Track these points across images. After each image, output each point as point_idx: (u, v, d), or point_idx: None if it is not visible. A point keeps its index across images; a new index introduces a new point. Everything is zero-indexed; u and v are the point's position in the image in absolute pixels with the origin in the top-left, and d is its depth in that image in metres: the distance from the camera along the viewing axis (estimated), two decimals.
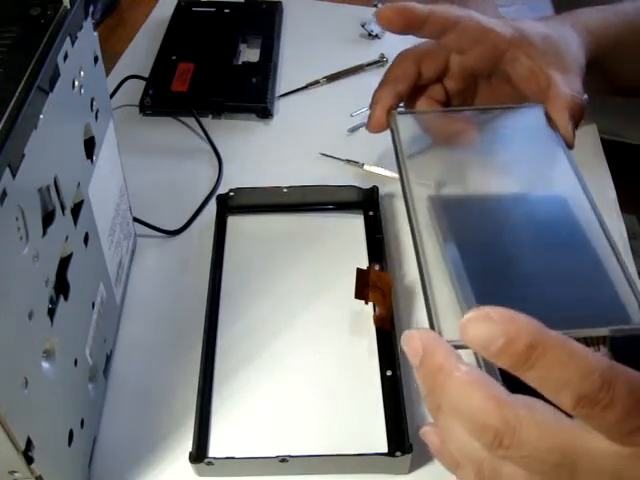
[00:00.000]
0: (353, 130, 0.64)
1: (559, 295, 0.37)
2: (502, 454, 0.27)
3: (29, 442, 0.30)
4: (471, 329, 0.26)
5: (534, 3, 0.84)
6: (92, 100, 0.40)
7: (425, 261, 0.38)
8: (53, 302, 0.33)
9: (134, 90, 0.66)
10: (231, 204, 0.55)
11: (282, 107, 0.68)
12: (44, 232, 0.32)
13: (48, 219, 0.33)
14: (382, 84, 0.49)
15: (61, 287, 0.34)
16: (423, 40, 0.49)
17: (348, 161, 0.60)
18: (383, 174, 0.59)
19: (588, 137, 0.64)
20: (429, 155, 0.47)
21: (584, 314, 0.35)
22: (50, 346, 0.33)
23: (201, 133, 0.63)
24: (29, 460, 0.30)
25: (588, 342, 0.30)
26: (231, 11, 0.77)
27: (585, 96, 0.47)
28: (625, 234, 0.54)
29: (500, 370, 0.29)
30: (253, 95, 0.66)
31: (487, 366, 0.34)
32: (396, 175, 0.58)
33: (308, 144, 0.62)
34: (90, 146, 0.40)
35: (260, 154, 0.62)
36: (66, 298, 0.35)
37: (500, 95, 0.51)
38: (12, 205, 0.28)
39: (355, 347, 0.47)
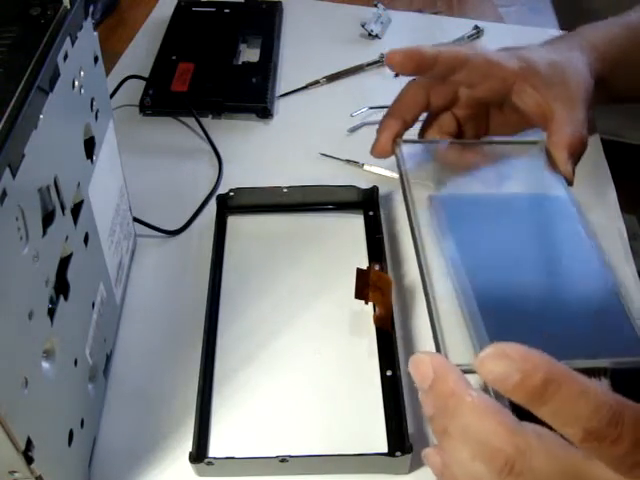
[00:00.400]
0: (353, 130, 0.64)
1: (562, 326, 0.38)
2: None
3: (29, 442, 0.30)
4: (488, 365, 0.27)
5: (534, 4, 0.84)
6: (92, 100, 0.40)
7: (431, 284, 0.38)
8: (53, 302, 0.33)
9: (134, 90, 0.66)
10: (231, 204, 0.55)
11: (282, 107, 0.68)
12: (44, 232, 0.32)
13: (48, 219, 0.33)
14: (390, 112, 0.50)
15: (61, 287, 0.34)
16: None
17: (348, 161, 0.60)
18: (383, 174, 0.59)
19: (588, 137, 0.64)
20: (432, 182, 0.48)
21: (586, 345, 0.36)
22: (50, 346, 0.33)
23: (201, 133, 0.63)
24: (29, 460, 0.30)
25: (589, 373, 0.30)
26: (231, 11, 0.77)
27: (585, 132, 0.48)
28: (625, 234, 0.54)
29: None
30: (253, 95, 0.66)
31: (495, 392, 0.34)
32: (396, 175, 0.58)
33: (308, 144, 0.62)
34: (90, 146, 0.40)
35: (260, 154, 0.62)
36: (66, 298, 0.35)
37: (511, 122, 0.52)
38: (12, 205, 0.27)
39: (355, 347, 0.47)
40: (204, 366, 0.44)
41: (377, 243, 0.52)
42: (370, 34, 0.76)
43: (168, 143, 0.63)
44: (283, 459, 0.39)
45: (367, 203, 0.55)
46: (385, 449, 0.41)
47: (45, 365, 0.32)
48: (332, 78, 0.71)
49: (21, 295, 0.29)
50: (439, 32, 0.77)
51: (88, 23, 0.39)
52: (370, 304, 0.47)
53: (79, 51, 0.37)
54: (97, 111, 0.41)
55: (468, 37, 0.76)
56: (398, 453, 0.39)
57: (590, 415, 0.26)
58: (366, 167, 0.60)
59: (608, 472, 0.27)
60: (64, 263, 0.35)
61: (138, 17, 0.80)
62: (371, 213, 0.55)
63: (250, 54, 0.73)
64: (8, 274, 0.28)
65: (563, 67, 0.49)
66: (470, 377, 0.30)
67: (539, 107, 0.48)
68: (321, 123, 0.65)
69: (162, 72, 0.68)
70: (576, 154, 0.48)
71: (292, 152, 0.62)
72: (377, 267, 0.47)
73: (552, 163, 0.49)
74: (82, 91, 0.38)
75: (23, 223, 0.29)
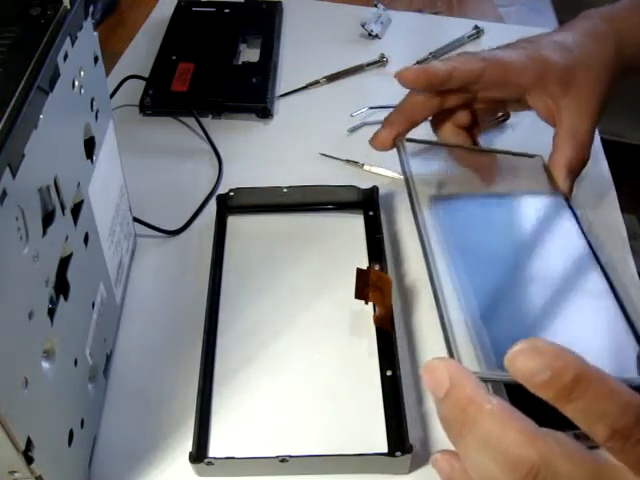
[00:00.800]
0: (353, 130, 0.64)
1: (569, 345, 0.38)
2: None
3: (29, 442, 0.30)
4: (519, 361, 0.27)
5: (534, 4, 0.84)
6: (92, 100, 0.40)
7: (441, 289, 0.38)
8: (53, 302, 0.33)
9: (134, 90, 0.66)
10: (231, 204, 0.55)
11: (282, 107, 0.68)
12: (44, 232, 0.32)
13: (48, 219, 0.33)
14: (400, 108, 0.50)
15: (61, 287, 0.34)
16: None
17: (348, 161, 0.60)
18: (383, 174, 0.59)
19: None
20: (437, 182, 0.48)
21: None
22: (50, 346, 0.33)
23: (201, 133, 0.63)
24: (29, 460, 0.30)
25: None
26: (231, 11, 0.77)
27: (588, 145, 0.48)
28: (625, 234, 0.54)
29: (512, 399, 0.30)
30: (253, 95, 0.66)
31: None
32: (396, 175, 0.58)
33: (308, 144, 0.62)
34: (90, 146, 0.40)
35: (260, 154, 0.62)
36: (66, 298, 0.35)
37: (528, 108, 0.52)
38: (12, 205, 0.27)
39: (355, 347, 0.47)
40: (204, 366, 0.44)
41: (377, 243, 0.52)
42: (370, 34, 0.76)
43: (168, 143, 0.63)
44: (283, 459, 0.39)
45: (367, 203, 0.55)
46: (385, 449, 0.41)
47: (45, 365, 0.32)
48: (332, 78, 0.71)
49: (21, 295, 0.29)
50: (439, 32, 0.77)
51: (88, 23, 0.39)
52: (370, 304, 0.47)
53: (79, 51, 0.37)
54: (97, 111, 0.41)
55: (468, 37, 0.76)
56: (398, 453, 0.39)
57: (617, 414, 0.26)
58: (366, 167, 0.60)
59: (630, 475, 0.27)
60: (64, 263, 0.35)
61: (138, 17, 0.80)
62: (371, 213, 0.55)
63: (250, 54, 0.73)
64: (8, 274, 0.28)
65: (580, 72, 0.48)
66: None
67: (550, 113, 0.49)
68: (321, 123, 0.65)
69: (162, 72, 0.68)
70: (575, 172, 0.49)
71: (292, 152, 0.62)
72: (377, 267, 0.47)
73: (551, 177, 0.49)
74: (82, 91, 0.38)
75: (23, 223, 0.29)
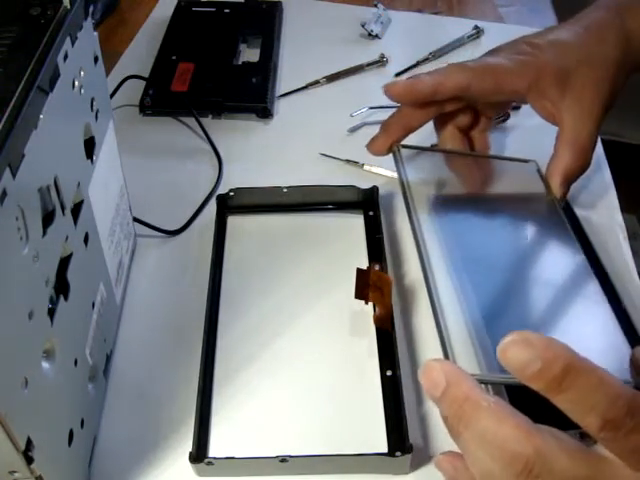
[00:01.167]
0: (353, 130, 0.64)
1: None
2: None
3: (29, 442, 0.30)
4: (510, 352, 0.27)
5: (534, 4, 0.84)
6: (92, 100, 0.40)
7: (436, 291, 0.38)
8: (53, 302, 0.33)
9: (134, 90, 0.66)
10: (231, 204, 0.55)
11: (282, 107, 0.68)
12: (44, 232, 0.32)
13: (48, 219, 0.33)
14: (398, 114, 0.50)
15: (61, 287, 0.34)
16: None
17: (348, 161, 0.60)
18: (383, 174, 0.59)
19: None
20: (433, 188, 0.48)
21: None
22: (50, 346, 0.33)
23: (201, 133, 0.63)
24: (29, 460, 0.30)
25: None
26: (231, 11, 0.77)
27: (588, 150, 0.48)
28: (625, 234, 0.54)
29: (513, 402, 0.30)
30: (253, 95, 0.66)
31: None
32: (396, 175, 0.58)
33: (308, 144, 0.62)
34: (90, 146, 0.40)
35: (260, 154, 0.62)
36: (66, 298, 0.35)
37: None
38: (12, 205, 0.27)
39: (355, 347, 0.47)
40: (204, 366, 0.44)
41: (377, 243, 0.52)
42: (370, 34, 0.76)
43: (168, 143, 0.63)
44: (283, 459, 0.39)
45: (367, 203, 0.55)
46: (385, 449, 0.41)
47: (45, 365, 0.32)
48: (332, 78, 0.71)
49: (21, 295, 0.29)
50: (439, 32, 0.77)
51: (88, 23, 0.39)
52: (370, 304, 0.47)
53: (79, 51, 0.37)
54: (97, 111, 0.41)
55: (468, 37, 0.76)
56: (398, 453, 0.39)
57: (608, 405, 0.26)
58: (366, 167, 0.60)
59: (625, 470, 0.27)
60: (64, 263, 0.35)
61: (138, 17, 0.80)
62: (371, 213, 0.55)
63: (250, 54, 0.73)
64: (8, 274, 0.28)
65: (582, 73, 0.47)
66: None
67: (551, 115, 0.48)
68: (321, 123, 0.65)
69: (162, 72, 0.68)
70: (572, 179, 0.49)
71: (292, 152, 0.62)
72: (377, 267, 0.47)
73: (545, 182, 0.49)
74: (82, 91, 0.38)
75: (23, 223, 0.29)
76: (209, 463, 0.39)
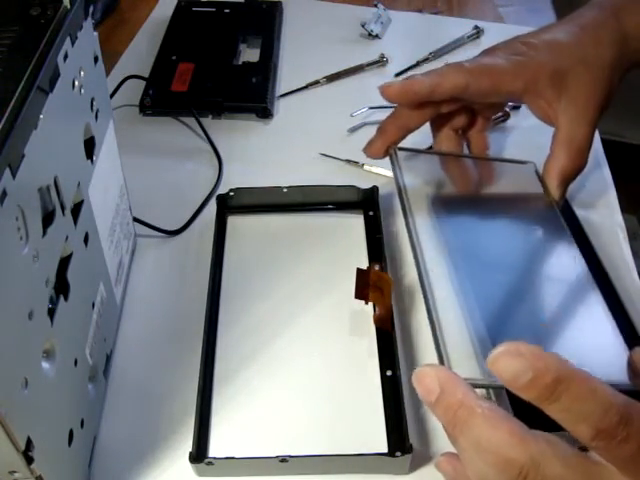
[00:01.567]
0: (353, 130, 0.64)
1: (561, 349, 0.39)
2: None
3: (29, 442, 0.30)
4: (501, 362, 0.27)
5: (534, 4, 0.84)
6: (92, 100, 0.40)
7: (432, 295, 0.38)
8: (53, 302, 0.33)
9: (134, 90, 0.66)
10: (231, 204, 0.55)
11: (282, 107, 0.68)
12: (44, 232, 0.32)
13: (48, 219, 0.33)
14: (394, 115, 0.50)
15: (61, 287, 0.34)
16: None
17: (348, 161, 0.60)
18: (383, 174, 0.59)
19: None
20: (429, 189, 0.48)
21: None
22: (50, 346, 0.33)
23: (201, 133, 0.63)
24: (29, 460, 0.30)
25: None
26: (231, 11, 0.77)
27: (584, 151, 0.48)
28: (625, 234, 0.54)
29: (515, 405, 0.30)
30: (253, 95, 0.66)
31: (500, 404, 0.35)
32: None
33: (308, 144, 0.62)
34: (90, 146, 0.40)
35: (260, 154, 0.62)
36: (66, 298, 0.35)
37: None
38: (12, 205, 0.27)
39: (355, 347, 0.47)
40: (204, 365, 0.44)
41: (377, 243, 0.52)
42: (370, 34, 0.76)
43: (168, 143, 0.63)
44: (283, 459, 0.39)
45: (367, 203, 0.55)
46: (385, 449, 0.41)
47: (45, 365, 0.32)
48: (332, 78, 0.71)
49: (21, 295, 0.29)
50: (439, 32, 0.77)
51: (88, 23, 0.39)
52: (370, 304, 0.47)
53: (79, 51, 0.37)
54: (97, 111, 0.41)
55: (468, 37, 0.76)
56: (398, 453, 0.39)
57: (601, 413, 0.26)
58: (366, 167, 0.60)
59: (620, 476, 0.27)
60: (64, 263, 0.35)
61: (138, 17, 0.80)
62: (371, 213, 0.55)
63: (250, 54, 0.73)
64: (8, 274, 0.28)
65: (578, 74, 0.47)
66: None
67: (547, 116, 0.48)
68: (321, 123, 0.65)
69: (162, 72, 0.68)
70: (569, 180, 0.49)
71: (292, 152, 0.62)
72: (377, 267, 0.47)
73: (543, 184, 0.49)
74: (82, 91, 0.38)
75: (23, 223, 0.29)
76: (209, 463, 0.39)
